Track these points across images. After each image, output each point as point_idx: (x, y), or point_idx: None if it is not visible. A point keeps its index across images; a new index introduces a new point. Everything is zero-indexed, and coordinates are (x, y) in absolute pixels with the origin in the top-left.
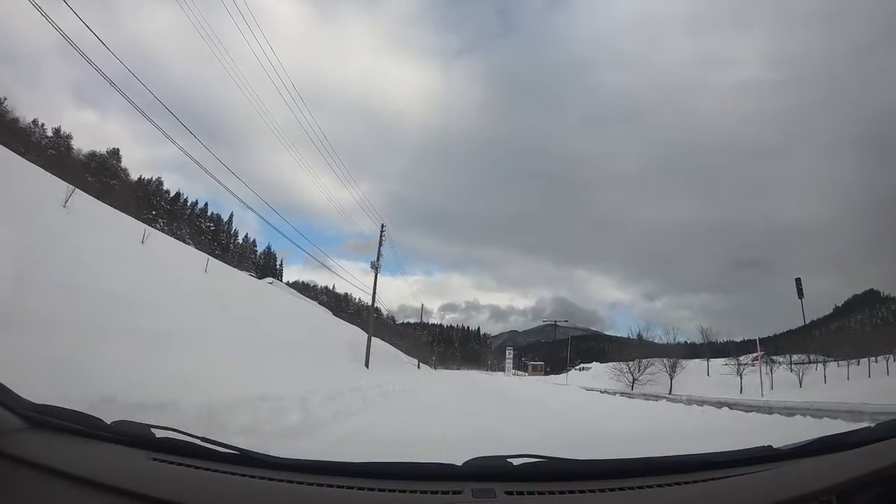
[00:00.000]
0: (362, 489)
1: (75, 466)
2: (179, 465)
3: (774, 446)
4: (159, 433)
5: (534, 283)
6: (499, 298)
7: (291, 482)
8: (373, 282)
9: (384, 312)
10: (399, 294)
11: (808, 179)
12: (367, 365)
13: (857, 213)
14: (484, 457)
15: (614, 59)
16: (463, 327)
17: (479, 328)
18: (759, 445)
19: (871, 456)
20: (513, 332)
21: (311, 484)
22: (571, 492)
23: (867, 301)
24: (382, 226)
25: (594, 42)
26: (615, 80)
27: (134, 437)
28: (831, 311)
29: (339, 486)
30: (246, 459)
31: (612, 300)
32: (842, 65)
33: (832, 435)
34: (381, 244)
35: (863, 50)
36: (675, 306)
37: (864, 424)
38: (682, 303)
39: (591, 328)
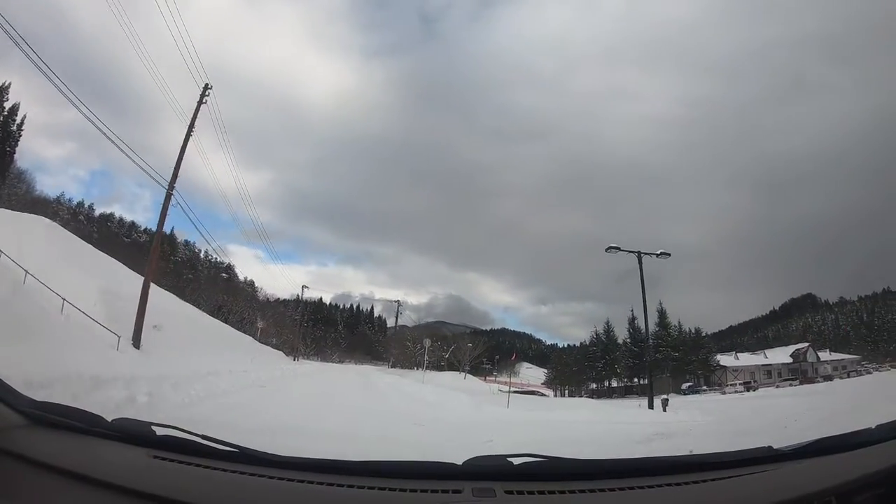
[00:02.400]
0: (362, 487)
1: (76, 464)
2: (180, 462)
3: (774, 447)
4: (160, 431)
5: (427, 282)
6: (392, 294)
7: (292, 480)
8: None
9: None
10: (293, 286)
11: (699, 207)
12: (136, 341)
13: (746, 240)
14: (484, 456)
15: (529, 79)
16: (352, 307)
17: (372, 307)
18: (759, 446)
19: (872, 457)
20: (402, 328)
21: (312, 482)
22: (571, 492)
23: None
24: (206, 86)
25: (512, 60)
26: (528, 98)
27: (134, 434)
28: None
29: (339, 485)
30: (246, 457)
31: (504, 303)
32: (739, 112)
33: (832, 436)
34: (195, 117)
35: (758, 102)
36: (562, 312)
37: (866, 426)
38: (568, 309)
39: (481, 327)
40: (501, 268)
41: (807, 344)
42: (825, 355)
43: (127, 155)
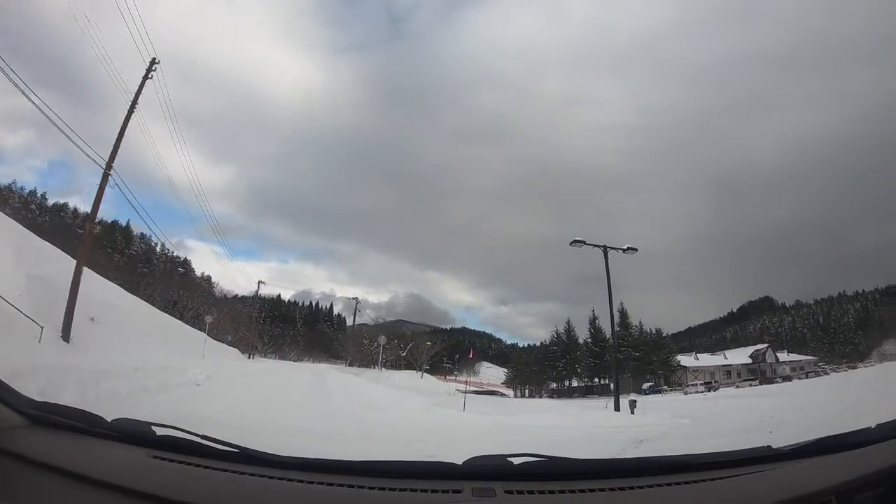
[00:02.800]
0: (362, 487)
1: (76, 464)
2: (180, 462)
3: (774, 446)
4: (160, 431)
5: (388, 280)
6: (353, 292)
7: (292, 480)
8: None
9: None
10: (252, 282)
11: (659, 212)
12: (66, 334)
13: (704, 244)
14: (484, 456)
15: (494, 82)
16: (311, 304)
17: (331, 304)
18: (759, 445)
19: (871, 457)
20: (362, 326)
21: (312, 482)
22: (571, 491)
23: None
24: (153, 60)
25: (477, 63)
26: (492, 101)
27: (134, 434)
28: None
29: (339, 485)
30: (246, 457)
31: (465, 303)
32: (700, 122)
33: (832, 435)
34: (139, 93)
35: (718, 113)
36: (522, 312)
37: (865, 426)
38: (529, 310)
39: (441, 326)
40: (462, 267)
41: (765, 345)
42: (783, 356)
43: (62, 131)
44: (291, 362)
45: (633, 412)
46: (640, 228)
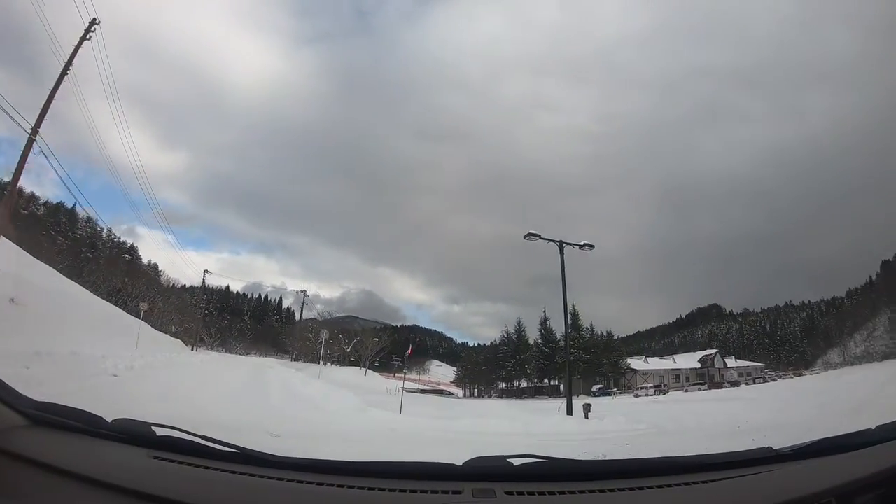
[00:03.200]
0: (362, 488)
1: (76, 464)
2: (180, 463)
3: (775, 448)
4: (160, 431)
5: (340, 276)
6: (305, 286)
7: (292, 481)
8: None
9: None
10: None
11: (612, 217)
12: None
13: (655, 251)
14: (484, 457)
15: (456, 82)
16: (260, 297)
17: (280, 298)
18: (759, 447)
19: (872, 458)
20: (313, 321)
21: (312, 483)
22: (571, 492)
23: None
24: (93, 21)
25: (442, 62)
26: (453, 101)
27: (134, 435)
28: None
29: (339, 486)
30: (246, 458)
31: (417, 300)
32: (655, 132)
33: (833, 437)
34: (74, 53)
35: (673, 123)
36: (474, 312)
37: (866, 427)
38: (481, 309)
39: (392, 323)
40: (415, 265)
41: (714, 350)
42: (731, 362)
43: None
44: (237, 356)
45: (587, 417)
46: (594, 233)
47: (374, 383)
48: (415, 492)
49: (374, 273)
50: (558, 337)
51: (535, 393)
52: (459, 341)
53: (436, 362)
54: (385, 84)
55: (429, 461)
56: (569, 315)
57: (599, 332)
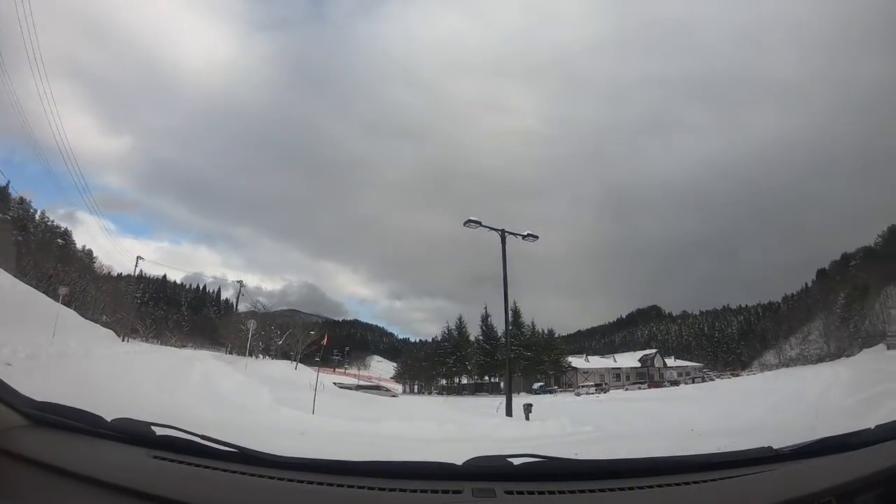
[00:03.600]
0: (362, 488)
1: (76, 464)
2: (180, 463)
3: (775, 447)
4: (160, 431)
5: (283, 269)
6: (247, 279)
7: (291, 481)
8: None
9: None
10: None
11: (556, 218)
12: None
13: (598, 252)
14: (484, 456)
15: (410, 79)
16: (199, 287)
17: (219, 289)
18: (759, 446)
19: (872, 457)
20: (253, 313)
21: (311, 482)
22: (571, 492)
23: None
24: None
25: (395, 57)
26: (405, 97)
27: (134, 434)
28: None
29: (339, 485)
30: (246, 458)
31: (360, 295)
32: (604, 137)
33: (833, 436)
34: None
35: (622, 130)
36: (416, 308)
37: (866, 426)
38: (423, 306)
39: (334, 318)
40: (359, 260)
41: (654, 350)
42: (671, 361)
43: None
44: (170, 348)
45: (528, 418)
46: (540, 234)
47: (303, 378)
48: (415, 491)
49: (317, 266)
50: (499, 334)
51: (476, 390)
52: (401, 337)
53: (377, 358)
54: (337, 76)
55: (429, 461)
56: (510, 313)
57: (541, 330)
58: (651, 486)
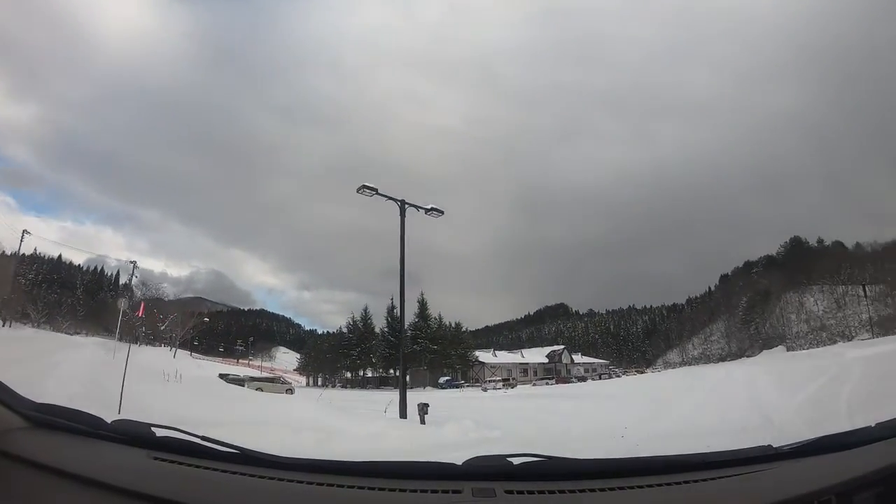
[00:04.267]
0: (362, 488)
1: (76, 465)
2: (180, 464)
3: (774, 446)
4: (160, 432)
5: (190, 254)
6: (152, 264)
7: (292, 481)
8: None
9: None
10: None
11: (468, 216)
12: None
13: (508, 250)
14: (484, 456)
15: (330, 67)
16: (95, 269)
17: (118, 272)
18: (759, 445)
19: (872, 456)
20: (157, 300)
21: (312, 483)
22: (572, 491)
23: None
24: None
25: (317, 44)
26: (325, 85)
27: (134, 436)
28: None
29: (339, 486)
30: (246, 458)
31: (268, 285)
32: (520, 139)
33: (832, 434)
34: None
35: (537, 134)
36: (325, 299)
37: (865, 425)
38: (332, 297)
39: (241, 307)
40: (269, 248)
41: (562, 346)
42: (578, 358)
43: None
44: (59, 334)
45: (423, 421)
46: (451, 231)
47: (175, 367)
48: (415, 491)
49: (225, 254)
50: (406, 326)
51: (381, 383)
52: (308, 328)
53: (282, 349)
54: (257, 57)
55: (429, 461)
56: (416, 305)
57: (448, 324)
58: (651, 486)
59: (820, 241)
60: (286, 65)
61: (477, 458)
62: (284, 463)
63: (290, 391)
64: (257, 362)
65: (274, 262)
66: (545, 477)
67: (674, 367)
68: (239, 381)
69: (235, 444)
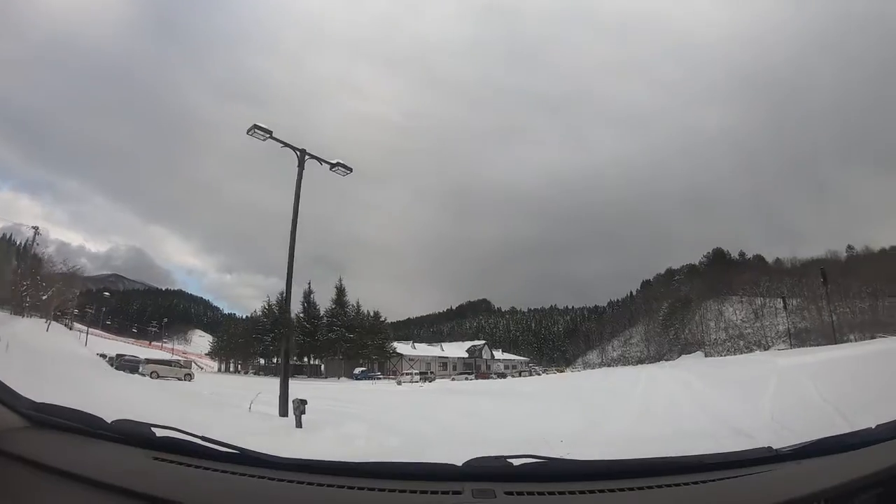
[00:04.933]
0: (362, 489)
1: (76, 465)
2: (180, 464)
3: (774, 447)
4: (160, 432)
5: (110, 229)
6: (70, 237)
7: (291, 482)
8: None
9: None
10: None
11: (397, 208)
12: None
13: (432, 245)
14: (484, 457)
15: (269, 46)
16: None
17: (26, 241)
18: (759, 447)
19: (871, 458)
20: (71, 275)
21: (311, 483)
22: (571, 492)
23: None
24: None
25: (258, 22)
26: (263, 63)
27: (134, 436)
28: None
29: (339, 486)
30: (246, 459)
31: (189, 265)
32: (455, 136)
33: (832, 436)
34: None
35: (467, 132)
36: (247, 283)
37: (866, 426)
38: (254, 281)
39: (159, 286)
40: (192, 228)
41: (483, 342)
42: (499, 354)
43: None
44: None
45: (299, 423)
46: (379, 220)
47: (49, 345)
48: (415, 492)
49: (147, 231)
50: (322, 312)
51: (296, 372)
52: (228, 311)
53: (199, 332)
54: (196, 30)
55: (429, 461)
56: (334, 290)
57: (367, 312)
58: (651, 487)
59: (741, 255)
60: (225, 40)
61: (477, 458)
62: (284, 463)
63: (189, 376)
64: (171, 345)
65: (197, 243)
66: (545, 478)
67: (593, 368)
68: (135, 364)
69: (237, 444)
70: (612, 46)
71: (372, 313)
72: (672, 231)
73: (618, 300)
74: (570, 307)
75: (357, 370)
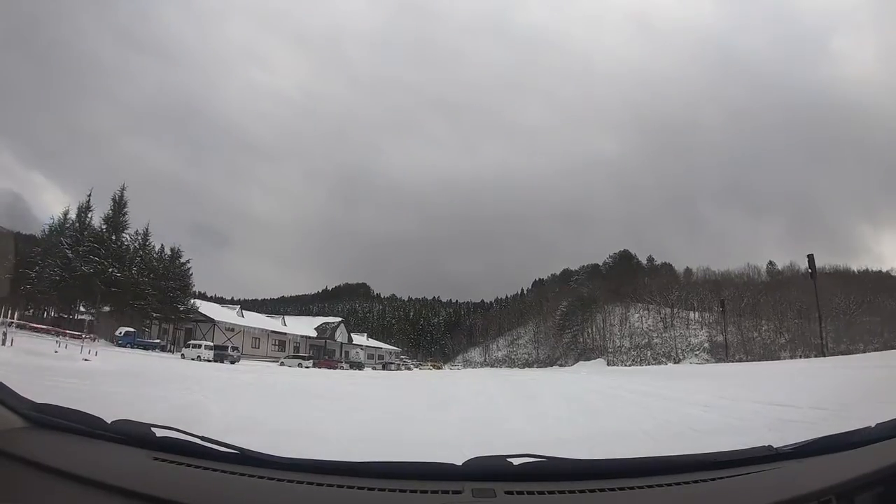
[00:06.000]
0: (362, 489)
1: (76, 466)
2: (180, 464)
3: (775, 446)
4: (160, 433)
5: None
6: None
7: (292, 482)
8: None
9: None
10: None
11: (283, 185)
12: None
13: (316, 228)
14: (484, 456)
15: (196, 16)
16: None
17: None
18: (759, 445)
19: (872, 456)
20: None
21: (312, 483)
22: (571, 492)
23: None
24: None
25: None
26: (171, 15)
27: (134, 436)
28: None
29: (339, 486)
30: (246, 459)
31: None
32: (342, 118)
33: (833, 435)
34: None
35: (363, 119)
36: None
37: (866, 425)
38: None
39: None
40: (75, 181)
41: (339, 319)
42: (362, 339)
43: None
44: None
45: None
46: (264, 196)
47: None
48: (415, 492)
49: (26, 176)
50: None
51: (56, 324)
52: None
53: None
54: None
55: (429, 461)
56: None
57: (160, 248)
58: (651, 486)
59: (650, 260)
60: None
61: (477, 458)
62: (284, 463)
63: None
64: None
65: (77, 196)
66: (545, 477)
67: (475, 367)
68: None
69: (237, 444)
70: (512, 57)
71: (170, 250)
72: (556, 243)
73: (506, 296)
74: (453, 300)
75: (120, 330)
